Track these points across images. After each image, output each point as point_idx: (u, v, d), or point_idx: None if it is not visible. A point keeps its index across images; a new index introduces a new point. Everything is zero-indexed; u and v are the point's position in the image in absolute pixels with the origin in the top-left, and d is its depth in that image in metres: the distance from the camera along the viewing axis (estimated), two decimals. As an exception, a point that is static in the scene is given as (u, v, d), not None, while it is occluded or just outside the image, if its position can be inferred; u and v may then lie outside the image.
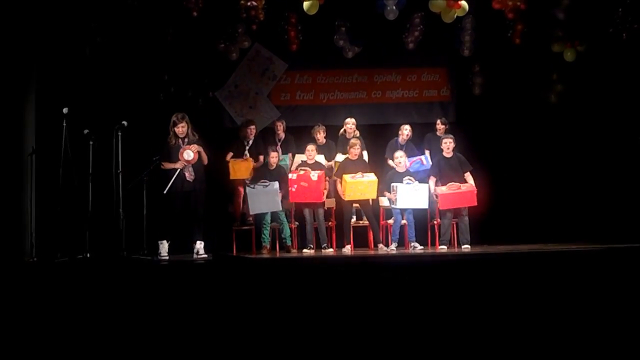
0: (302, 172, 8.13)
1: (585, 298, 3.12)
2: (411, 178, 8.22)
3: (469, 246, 8.05)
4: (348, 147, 8.37)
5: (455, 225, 8.39)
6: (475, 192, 8.14)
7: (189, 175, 7.59)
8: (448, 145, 8.30)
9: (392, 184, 8.17)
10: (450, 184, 8.14)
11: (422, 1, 8.86)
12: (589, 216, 9.05)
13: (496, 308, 2.94)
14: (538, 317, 2.66)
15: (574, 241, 8.48)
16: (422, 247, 8.22)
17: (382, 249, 8.13)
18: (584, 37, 9.17)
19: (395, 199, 8.08)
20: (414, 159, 8.74)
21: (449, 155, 8.32)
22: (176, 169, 7.54)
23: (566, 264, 5.79)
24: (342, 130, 9.03)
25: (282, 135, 8.91)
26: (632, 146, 9.16)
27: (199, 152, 7.61)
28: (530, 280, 4.31)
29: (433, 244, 8.51)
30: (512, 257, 6.60)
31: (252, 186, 8.06)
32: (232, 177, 8.47)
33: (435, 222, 8.54)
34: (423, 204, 8.13)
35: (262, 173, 8.30)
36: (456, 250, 8.14)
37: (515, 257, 6.60)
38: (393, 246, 8.18)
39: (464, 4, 8.72)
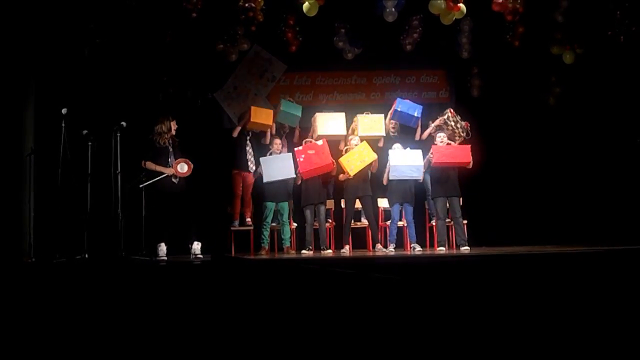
0: (305, 143, 8.23)
1: (584, 300, 3.12)
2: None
3: (468, 248, 8.05)
4: (347, 142, 8.43)
5: (451, 227, 8.40)
6: (469, 148, 8.16)
7: (174, 179, 7.60)
8: (442, 139, 8.32)
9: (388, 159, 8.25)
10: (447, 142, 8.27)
11: (421, 3, 8.87)
12: (587, 218, 9.07)
13: (494, 310, 2.94)
14: (537, 319, 2.66)
15: (572, 243, 8.49)
16: (421, 248, 8.22)
17: (380, 250, 8.14)
18: (582, 39, 9.19)
19: (389, 167, 8.15)
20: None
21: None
22: (162, 173, 7.52)
23: (564, 266, 5.80)
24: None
25: (273, 129, 8.88)
26: (631, 148, 9.18)
27: (191, 168, 7.59)
28: (528, 282, 4.32)
29: (431, 246, 8.51)
30: (510, 259, 6.61)
31: (265, 157, 8.14)
32: (252, 119, 8.51)
33: (433, 224, 8.55)
34: (418, 160, 8.16)
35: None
36: (455, 252, 8.14)
37: (514, 260, 6.61)
38: (391, 247, 8.19)
39: (463, 6, 8.74)
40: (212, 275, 5.47)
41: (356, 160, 8.11)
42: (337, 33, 9.42)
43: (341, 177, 8.35)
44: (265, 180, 8.06)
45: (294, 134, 8.98)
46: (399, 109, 8.56)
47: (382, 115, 8.56)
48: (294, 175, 8.15)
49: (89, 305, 3.51)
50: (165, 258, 7.38)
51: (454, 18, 8.91)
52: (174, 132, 7.71)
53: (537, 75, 9.59)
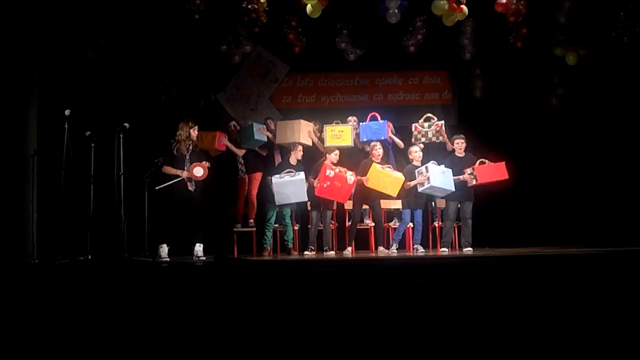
0: (338, 171, 7.92)
1: (585, 301, 3.12)
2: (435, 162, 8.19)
3: (471, 249, 8.05)
4: (371, 150, 8.28)
5: (456, 228, 8.41)
6: (504, 164, 8.13)
7: (191, 186, 7.49)
8: (460, 145, 8.32)
9: (418, 169, 8.06)
10: (480, 160, 8.17)
11: (424, 5, 8.87)
12: (589, 220, 9.05)
13: (497, 311, 2.94)
14: (538, 320, 2.66)
15: (574, 244, 8.48)
16: (424, 250, 8.22)
17: (382, 251, 8.13)
18: (585, 40, 9.18)
19: (428, 178, 7.90)
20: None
21: (461, 155, 8.33)
22: (177, 176, 7.44)
23: (567, 267, 5.79)
24: None
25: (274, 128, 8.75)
26: (634, 150, 9.17)
27: (206, 172, 7.49)
28: (530, 283, 4.32)
29: (434, 247, 8.51)
30: (512, 261, 6.61)
31: (279, 176, 7.97)
32: (201, 145, 8.13)
33: (436, 225, 8.55)
34: (451, 185, 8.00)
35: (284, 166, 8.21)
36: (457, 253, 8.14)
37: (516, 261, 6.61)
38: (394, 248, 8.19)
39: (465, 8, 8.73)
40: (215, 277, 5.48)
41: (382, 180, 7.91)
42: (340, 34, 9.43)
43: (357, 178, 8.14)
44: (277, 203, 7.97)
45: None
46: (364, 140, 8.45)
47: (350, 126, 8.39)
48: (306, 199, 8.05)
49: (92, 306, 3.51)
50: (168, 259, 7.37)
51: (456, 19, 8.91)
52: (194, 139, 7.61)
53: (539, 77, 9.58)
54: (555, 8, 9.07)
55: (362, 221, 8.58)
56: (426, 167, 8.00)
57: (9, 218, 7.52)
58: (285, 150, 8.49)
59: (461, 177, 8.12)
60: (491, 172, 8.14)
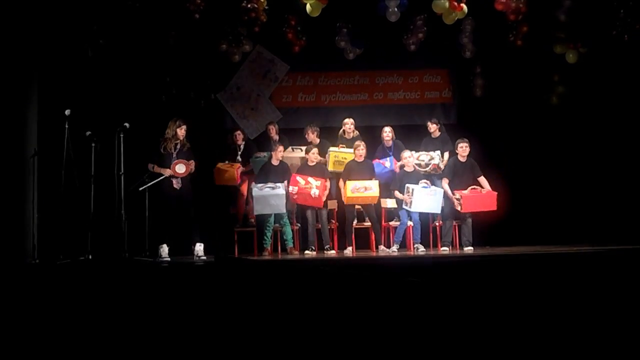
0: (303, 184, 8.15)
1: (587, 300, 3.12)
2: (427, 182, 8.19)
3: (472, 248, 8.05)
4: (353, 149, 8.36)
5: (457, 227, 8.40)
6: (496, 195, 8.14)
7: (176, 184, 7.53)
8: (464, 149, 8.31)
9: (407, 185, 8.09)
10: (472, 187, 8.14)
11: (424, 3, 8.86)
12: (590, 218, 9.04)
13: (497, 310, 2.94)
14: (539, 319, 2.66)
15: (575, 243, 8.48)
16: (424, 248, 8.22)
17: (383, 250, 8.13)
18: (585, 38, 9.17)
19: (410, 202, 8.01)
20: (380, 160, 8.66)
21: (463, 160, 8.32)
22: (161, 175, 7.49)
23: (567, 265, 5.79)
24: (341, 130, 9.03)
25: (276, 137, 8.87)
26: (634, 148, 9.16)
27: (190, 169, 7.54)
28: (531, 282, 4.32)
29: (435, 246, 8.51)
30: (514, 260, 6.61)
31: (258, 187, 8.03)
32: (217, 182, 8.53)
33: (437, 224, 8.54)
34: (436, 208, 8.10)
35: (267, 169, 8.29)
36: (458, 252, 8.14)
37: (517, 260, 6.61)
38: (395, 247, 8.19)
39: (464, 6, 8.72)
40: (215, 276, 5.48)
41: (359, 191, 8.05)
42: (340, 33, 9.42)
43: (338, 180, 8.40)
44: (255, 213, 8.07)
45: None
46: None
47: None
48: (284, 211, 8.11)
49: (92, 306, 3.51)
50: (169, 259, 7.38)
51: (456, 18, 8.90)
52: (181, 138, 7.63)
53: (540, 75, 9.56)
54: (556, 6, 9.05)
55: (362, 220, 8.58)
56: (412, 190, 8.02)
57: (10, 218, 7.51)
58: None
59: (450, 197, 8.15)
60: (478, 201, 8.11)
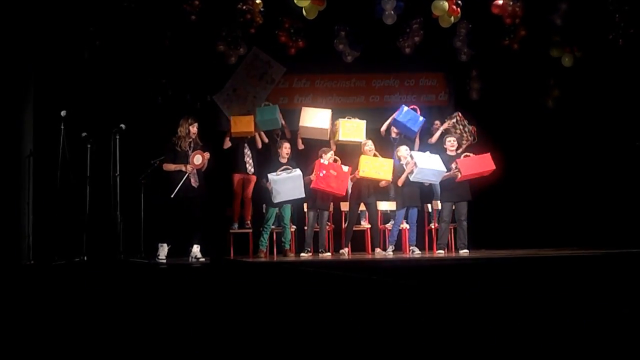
0: (333, 161, 8.12)
1: (583, 303, 3.13)
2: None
3: (467, 251, 8.06)
4: (362, 148, 8.34)
5: (452, 230, 8.41)
6: (489, 155, 8.16)
7: (194, 182, 7.50)
8: (452, 143, 8.33)
9: (405, 162, 8.18)
10: (464, 154, 8.22)
11: (420, 7, 8.87)
12: (585, 221, 9.06)
13: (493, 313, 2.94)
14: (535, 322, 2.66)
15: (570, 246, 8.50)
16: (420, 251, 8.22)
17: (379, 253, 8.14)
18: (581, 42, 9.20)
19: (415, 165, 8.01)
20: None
21: (453, 154, 8.33)
22: (184, 173, 7.42)
23: (562, 269, 5.80)
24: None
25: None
26: (630, 152, 9.18)
27: (205, 160, 7.51)
28: (527, 285, 4.32)
29: (430, 249, 8.52)
30: (509, 263, 6.61)
31: (275, 173, 7.96)
32: (233, 130, 8.46)
33: (432, 226, 8.55)
34: (441, 166, 8.07)
35: (275, 165, 8.22)
36: (454, 254, 8.15)
37: (512, 263, 6.61)
38: (390, 250, 8.19)
39: (459, 10, 8.74)
40: (211, 278, 5.47)
41: (373, 167, 8.09)
42: (337, 36, 9.42)
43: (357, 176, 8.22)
44: (275, 201, 7.94)
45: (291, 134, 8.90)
46: (398, 119, 8.54)
47: (364, 122, 8.48)
48: (304, 196, 7.99)
49: (87, 307, 3.51)
50: (165, 260, 7.36)
51: (452, 21, 8.92)
52: (193, 136, 7.61)
53: (536, 78, 9.60)
54: (552, 10, 9.09)
55: (358, 223, 8.59)
56: (410, 156, 8.14)
57: (5, 219, 7.49)
58: (274, 146, 8.55)
59: (449, 173, 8.14)
60: (476, 163, 8.16)
